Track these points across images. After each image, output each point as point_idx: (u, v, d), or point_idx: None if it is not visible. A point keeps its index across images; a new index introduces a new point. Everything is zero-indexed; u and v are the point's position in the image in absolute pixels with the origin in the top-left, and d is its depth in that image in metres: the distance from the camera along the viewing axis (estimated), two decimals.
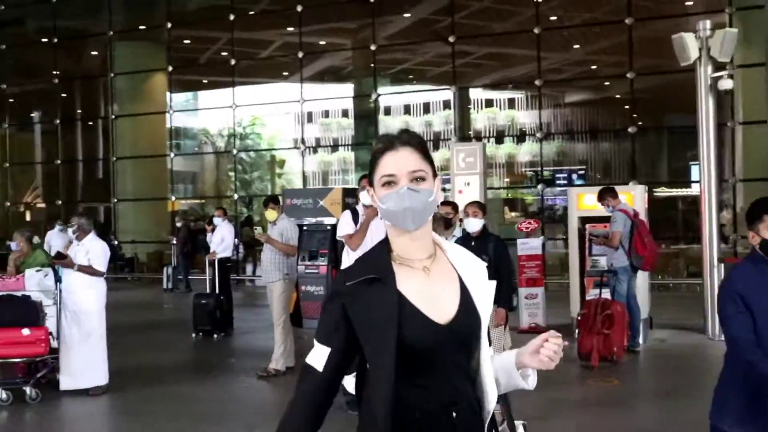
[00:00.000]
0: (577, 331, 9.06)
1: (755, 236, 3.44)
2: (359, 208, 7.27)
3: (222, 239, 11.69)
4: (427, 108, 23.40)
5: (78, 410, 7.74)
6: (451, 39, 18.33)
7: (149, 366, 9.54)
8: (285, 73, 22.44)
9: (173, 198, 22.53)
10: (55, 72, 24.65)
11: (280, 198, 10.82)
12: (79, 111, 26.04)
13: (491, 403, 2.15)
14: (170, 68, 22.56)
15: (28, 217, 26.06)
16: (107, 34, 23.32)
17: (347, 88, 24.15)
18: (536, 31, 17.50)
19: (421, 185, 2.09)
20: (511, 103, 22.55)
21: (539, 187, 18.78)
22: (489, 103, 22.98)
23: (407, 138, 2.13)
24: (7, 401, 7.53)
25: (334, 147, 24.98)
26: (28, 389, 7.60)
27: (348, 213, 7.34)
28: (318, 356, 2.09)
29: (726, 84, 10.80)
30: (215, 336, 11.30)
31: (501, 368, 2.19)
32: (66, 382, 7.93)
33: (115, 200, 23.30)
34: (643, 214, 10.37)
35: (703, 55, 10.80)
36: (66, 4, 24.03)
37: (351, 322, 2.06)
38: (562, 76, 20.91)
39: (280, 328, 8.58)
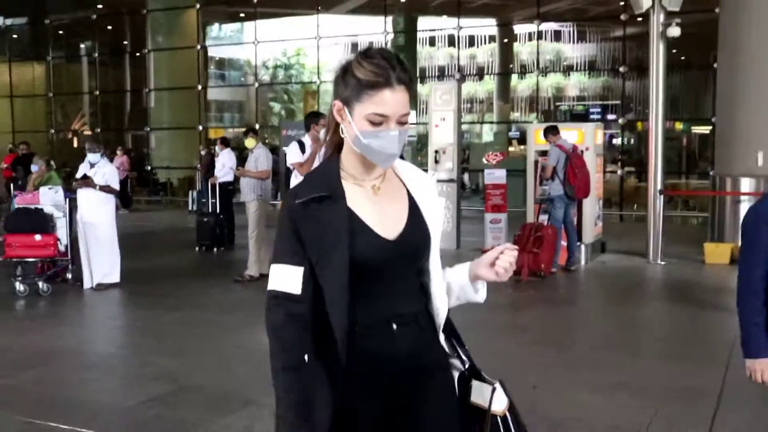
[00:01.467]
0: None
1: None
2: (305, 140, 8.57)
3: (223, 165, 13.15)
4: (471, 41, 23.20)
5: (86, 301, 9.37)
6: None
7: (154, 269, 11.27)
8: (319, 7, 22.85)
9: (200, 128, 23.91)
10: (98, 6, 26.12)
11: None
12: (117, 45, 27.48)
13: (441, 317, 2.17)
14: (198, 5, 23.89)
15: (75, 144, 27.49)
16: None
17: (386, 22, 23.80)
18: None
19: (405, 128, 2.07)
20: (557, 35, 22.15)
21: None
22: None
23: (404, 77, 2.05)
24: (24, 293, 9.25)
25: None
26: (40, 283, 9.34)
27: (295, 143, 8.63)
28: (289, 279, 2.05)
29: (674, 31, 11.73)
30: (215, 249, 12.86)
31: (454, 281, 2.23)
32: (88, 281, 9.63)
33: (148, 129, 25.07)
34: (593, 149, 11.68)
35: (655, 4, 11.71)
36: None
37: (303, 241, 2.05)
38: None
39: (252, 241, 10.13)
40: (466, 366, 2.22)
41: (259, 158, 10.35)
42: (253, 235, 10.18)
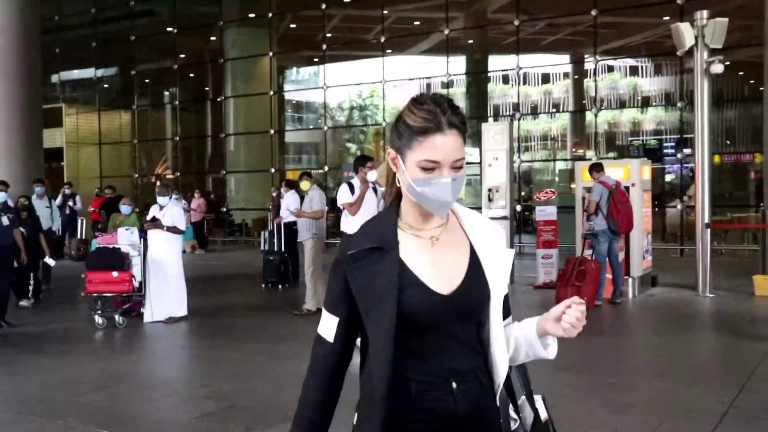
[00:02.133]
0: (557, 283, 11.07)
1: None
2: (354, 181, 9.35)
3: (287, 206, 14.04)
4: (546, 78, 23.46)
5: (155, 332, 10.15)
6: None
7: (221, 305, 12.11)
8: (389, 51, 23.52)
9: (273, 170, 24.73)
10: (180, 56, 27.33)
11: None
12: (197, 92, 28.66)
13: (501, 376, 2.08)
14: (271, 53, 25.05)
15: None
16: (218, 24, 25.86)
17: (460, 61, 24.36)
18: None
19: (460, 173, 2.01)
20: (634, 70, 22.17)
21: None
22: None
23: (456, 120, 2.00)
24: (102, 325, 10.16)
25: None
26: (116, 316, 10.27)
27: (345, 185, 9.40)
28: (327, 326, 2.11)
29: (717, 68, 12.12)
30: (280, 286, 13.65)
31: (522, 336, 2.13)
32: (149, 315, 10.49)
33: (224, 172, 26.18)
34: (639, 185, 12.12)
35: (698, 42, 12.14)
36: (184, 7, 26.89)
37: (351, 291, 2.03)
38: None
39: (309, 276, 10.88)
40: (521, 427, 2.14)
41: (314, 199, 11.13)
42: (309, 271, 10.92)
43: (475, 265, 2.07)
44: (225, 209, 26.19)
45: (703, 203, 12.45)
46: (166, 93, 28.85)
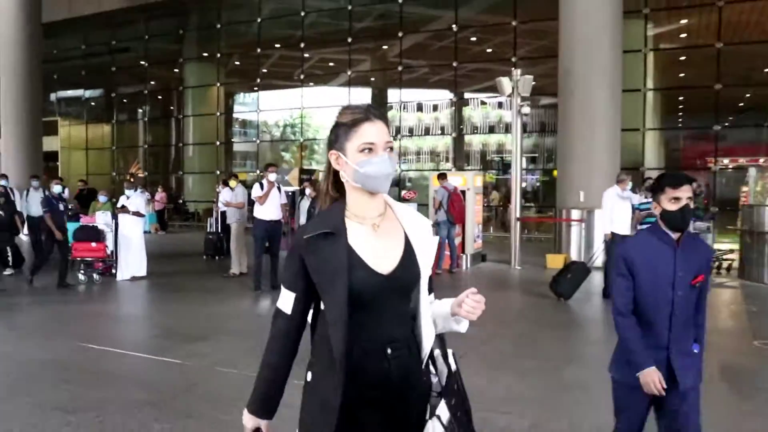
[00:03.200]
0: None
1: (657, 207, 2.97)
2: (264, 181, 10.24)
3: (221, 199, 14.69)
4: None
5: (123, 286, 10.82)
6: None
7: (173, 270, 12.67)
8: (310, 83, 23.58)
9: (218, 172, 24.62)
10: (150, 83, 27.24)
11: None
12: (163, 111, 28.23)
13: (428, 343, 1.99)
14: (218, 83, 25.35)
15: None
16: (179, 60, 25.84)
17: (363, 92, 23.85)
18: None
19: (392, 153, 1.93)
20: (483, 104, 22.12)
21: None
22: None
23: (379, 112, 1.94)
24: (85, 282, 10.89)
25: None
26: (95, 275, 11.03)
27: (257, 184, 10.28)
28: (285, 300, 1.99)
29: (525, 110, 13.43)
30: (216, 258, 14.32)
31: (439, 314, 2.04)
32: (120, 274, 11.26)
33: (182, 172, 26.34)
34: (473, 189, 13.29)
35: (514, 91, 13.39)
36: (155, 39, 26.71)
37: (308, 270, 1.93)
38: None
39: (234, 249, 11.78)
40: (439, 389, 2.02)
41: (238, 194, 12.10)
42: (234, 246, 11.82)
43: (408, 250, 1.98)
44: (181, 201, 26.24)
45: (515, 203, 13.71)
46: (139, 110, 28.59)
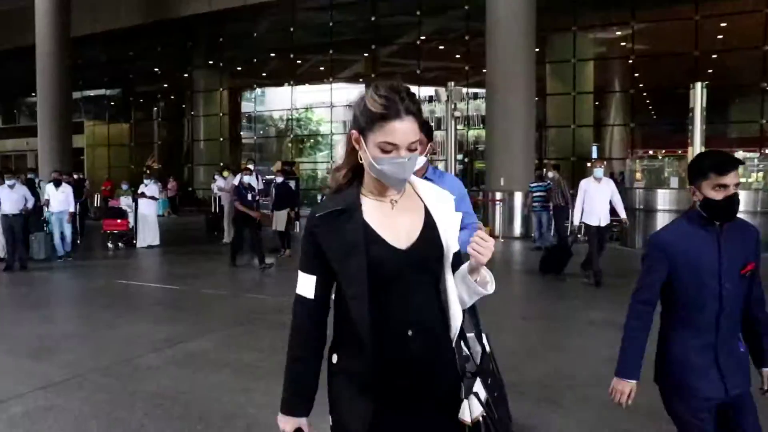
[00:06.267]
0: None
1: (697, 193, 2.40)
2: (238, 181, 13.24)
3: (221, 188, 17.67)
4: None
5: (142, 253, 13.73)
6: None
7: (181, 241, 15.55)
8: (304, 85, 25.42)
9: (222, 164, 25.68)
10: (164, 85, 29.12)
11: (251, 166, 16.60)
12: (176, 110, 29.69)
13: (456, 322, 1.81)
14: (221, 87, 27.48)
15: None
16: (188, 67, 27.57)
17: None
18: None
19: (414, 153, 1.75)
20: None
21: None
22: None
23: (413, 107, 1.73)
24: (112, 249, 13.90)
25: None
26: (119, 244, 14.06)
27: (239, 175, 13.33)
28: (305, 285, 1.82)
29: (457, 113, 16.38)
30: (215, 233, 16.33)
31: (460, 281, 1.82)
32: (139, 243, 14.20)
33: (191, 164, 28.45)
34: None
35: (449, 96, 16.22)
36: (166, 55, 28.47)
37: (323, 250, 1.77)
38: None
39: (226, 225, 14.70)
40: (474, 370, 1.83)
41: (230, 182, 15.13)
42: (226, 222, 14.78)
43: (429, 225, 1.81)
44: (191, 189, 27.85)
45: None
46: (155, 110, 29.74)
